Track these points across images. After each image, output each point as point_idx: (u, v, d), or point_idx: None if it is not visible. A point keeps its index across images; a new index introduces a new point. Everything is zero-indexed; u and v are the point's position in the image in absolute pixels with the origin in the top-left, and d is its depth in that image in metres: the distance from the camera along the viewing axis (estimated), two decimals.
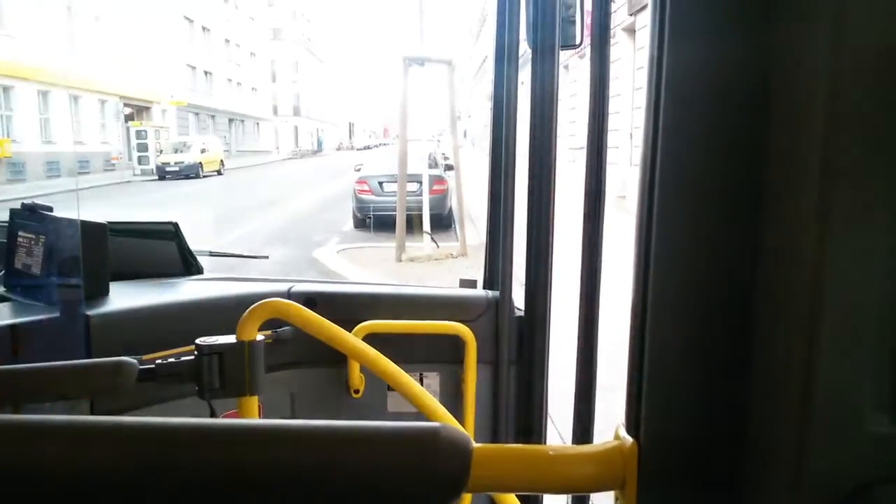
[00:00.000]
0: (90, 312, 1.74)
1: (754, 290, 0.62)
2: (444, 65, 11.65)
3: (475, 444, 0.61)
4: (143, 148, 30.88)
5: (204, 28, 44.02)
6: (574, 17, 1.90)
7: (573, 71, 19.45)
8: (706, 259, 0.64)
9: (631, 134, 14.81)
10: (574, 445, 0.91)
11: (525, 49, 2.04)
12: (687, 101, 0.63)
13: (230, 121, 48.52)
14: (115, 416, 0.58)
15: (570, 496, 1.52)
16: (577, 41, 1.92)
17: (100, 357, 1.28)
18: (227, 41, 48.55)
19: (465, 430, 1.75)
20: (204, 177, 29.53)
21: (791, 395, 0.57)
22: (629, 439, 0.67)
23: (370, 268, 10.40)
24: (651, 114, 0.65)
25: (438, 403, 1.57)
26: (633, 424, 0.67)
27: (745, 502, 0.64)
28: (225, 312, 1.64)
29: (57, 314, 1.74)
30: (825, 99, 0.54)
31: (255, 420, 0.60)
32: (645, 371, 0.66)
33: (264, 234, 13.55)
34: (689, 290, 0.64)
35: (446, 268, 10.32)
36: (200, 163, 29.95)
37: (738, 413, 0.64)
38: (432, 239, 11.48)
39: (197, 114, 42.54)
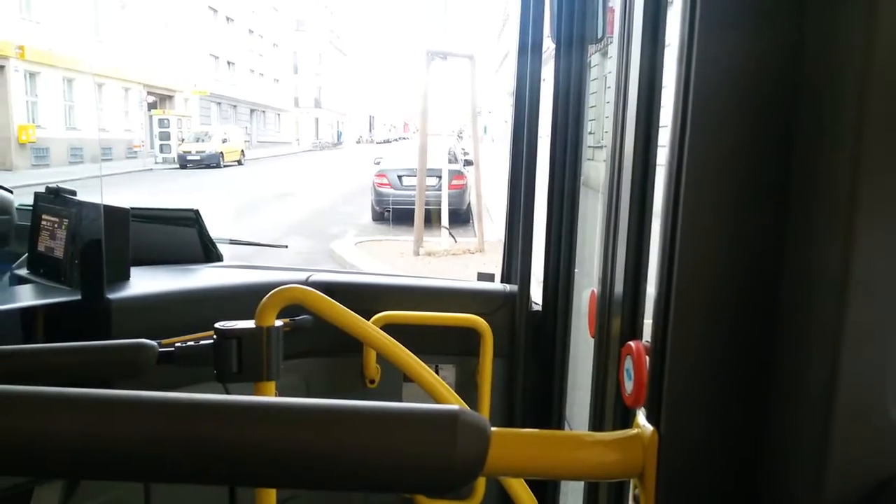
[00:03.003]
0: (111, 296, 1.75)
1: (779, 283, 0.62)
2: (466, 59, 11.61)
3: (493, 429, 0.62)
4: (165, 136, 31.09)
5: (228, 18, 44.21)
6: (598, 10, 1.89)
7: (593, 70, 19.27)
8: (731, 252, 0.64)
9: None
10: (592, 432, 0.91)
11: (548, 45, 2.03)
12: (715, 92, 0.63)
13: (252, 111, 48.74)
14: (137, 391, 0.59)
15: (585, 484, 1.51)
16: (599, 35, 1.90)
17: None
18: (251, 31, 48.72)
19: None
20: (225, 166, 29.69)
21: (814, 387, 0.57)
22: (649, 428, 0.67)
23: (387, 261, 10.41)
24: (679, 106, 0.64)
25: (454, 394, 1.57)
26: (653, 413, 0.67)
27: (767, 494, 0.63)
28: (244, 299, 1.65)
29: (78, 297, 1.76)
30: (857, 91, 0.54)
31: (278, 398, 0.60)
32: (667, 360, 0.66)
33: (283, 225, 13.61)
34: (713, 282, 0.64)
35: (463, 263, 10.31)
36: (221, 152, 30.10)
37: (760, 404, 0.63)
38: (450, 234, 11.47)
39: (219, 103, 42.77)
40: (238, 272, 2.30)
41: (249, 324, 1.49)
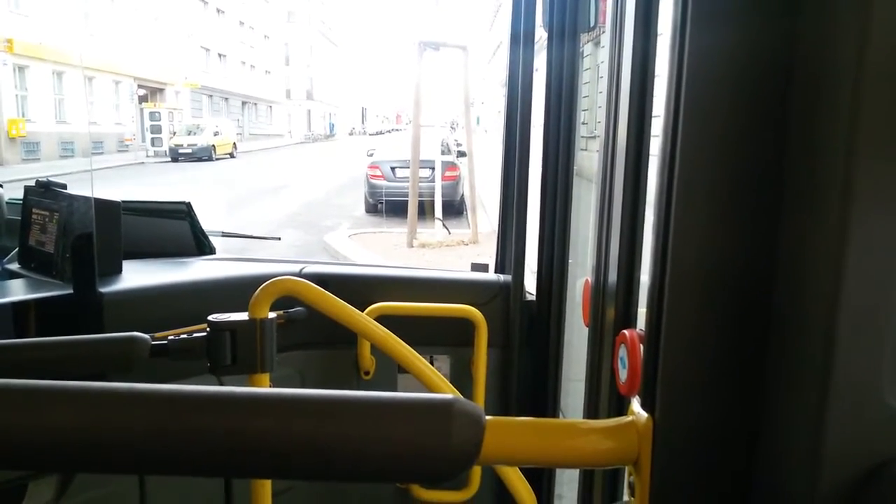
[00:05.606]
0: (103, 290, 1.75)
1: (773, 270, 0.62)
2: (458, 50, 11.59)
3: (488, 417, 0.62)
4: (156, 130, 30.96)
5: (218, 10, 43.98)
6: None
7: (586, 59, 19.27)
8: (725, 240, 0.64)
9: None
10: (587, 420, 0.92)
11: (540, 34, 2.02)
12: (708, 82, 0.62)
13: (243, 104, 48.58)
14: (130, 384, 0.58)
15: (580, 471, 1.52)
16: (591, 24, 1.90)
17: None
18: (242, 23, 48.50)
19: None
20: (217, 160, 29.60)
21: (808, 373, 0.57)
22: (644, 415, 0.67)
23: (381, 253, 10.41)
24: (672, 95, 0.64)
25: (449, 384, 1.57)
26: (648, 401, 0.68)
27: (762, 479, 0.64)
28: (237, 292, 1.64)
29: (70, 291, 1.75)
30: (851, 80, 0.54)
31: (273, 389, 0.60)
32: (661, 348, 0.66)
33: (276, 218, 13.59)
34: (707, 270, 0.64)
35: (457, 254, 10.32)
36: (213, 145, 30.00)
37: (754, 390, 0.64)
38: (444, 225, 11.48)
39: (210, 96, 42.58)
40: (231, 265, 2.29)
41: (243, 316, 1.49)
